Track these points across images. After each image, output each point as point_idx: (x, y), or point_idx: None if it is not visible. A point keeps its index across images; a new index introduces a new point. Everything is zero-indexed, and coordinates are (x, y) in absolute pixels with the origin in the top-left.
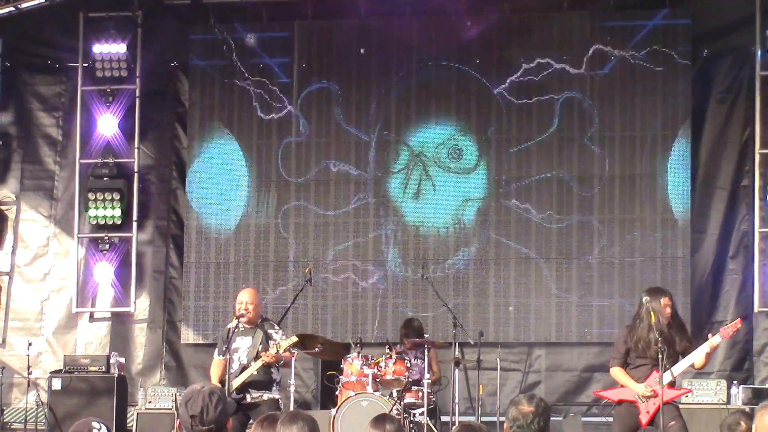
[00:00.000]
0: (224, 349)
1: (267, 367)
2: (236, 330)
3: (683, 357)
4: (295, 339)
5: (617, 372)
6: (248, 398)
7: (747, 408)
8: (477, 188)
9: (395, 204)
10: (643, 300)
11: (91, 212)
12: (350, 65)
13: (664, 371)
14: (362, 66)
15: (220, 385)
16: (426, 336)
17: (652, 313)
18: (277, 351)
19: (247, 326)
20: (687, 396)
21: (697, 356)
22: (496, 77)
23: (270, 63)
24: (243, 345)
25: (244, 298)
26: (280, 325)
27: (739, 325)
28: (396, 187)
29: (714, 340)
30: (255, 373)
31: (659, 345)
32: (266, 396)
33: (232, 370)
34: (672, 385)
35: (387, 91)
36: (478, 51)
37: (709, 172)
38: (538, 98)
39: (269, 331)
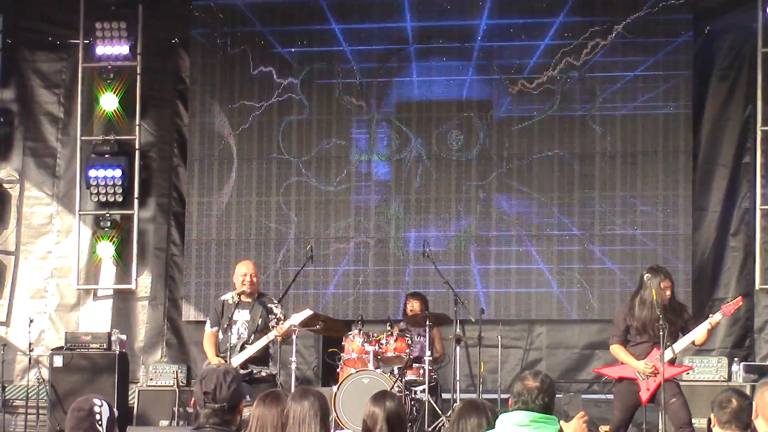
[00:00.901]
0: (222, 322)
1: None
2: (234, 303)
3: (684, 334)
4: (309, 312)
5: (617, 349)
6: (254, 373)
7: (748, 385)
8: (478, 165)
9: (396, 181)
10: (645, 277)
11: (92, 189)
12: (351, 42)
13: (665, 348)
14: (363, 43)
15: (238, 365)
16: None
17: (653, 290)
18: (290, 326)
19: (246, 299)
20: (688, 373)
21: (697, 334)
22: (497, 55)
23: (271, 40)
24: (241, 318)
25: (248, 270)
26: (281, 302)
27: (740, 302)
28: (397, 164)
29: (715, 317)
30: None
31: (661, 322)
32: (264, 372)
33: (230, 344)
34: (673, 362)
35: (388, 68)
36: (479, 29)
37: (711, 149)
38: (539, 76)
39: (269, 305)
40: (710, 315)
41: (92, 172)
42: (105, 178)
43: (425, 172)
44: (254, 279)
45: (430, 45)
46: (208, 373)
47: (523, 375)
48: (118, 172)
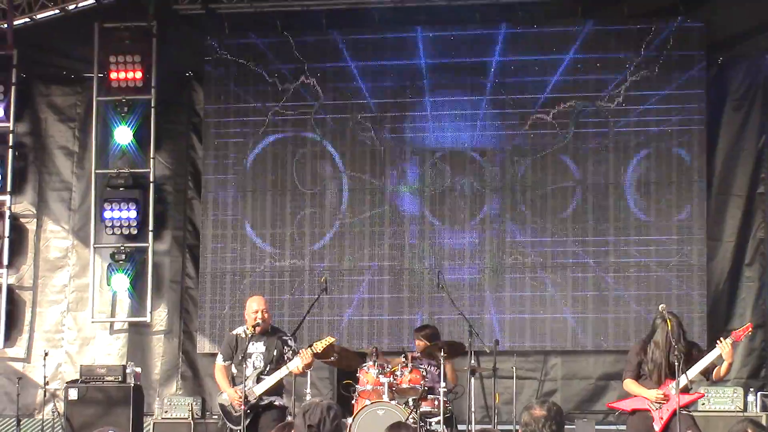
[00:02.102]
0: (236, 356)
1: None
2: (247, 336)
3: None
4: (332, 339)
5: (629, 384)
6: (267, 401)
7: (764, 415)
8: (492, 197)
9: (411, 213)
10: (657, 322)
11: (107, 222)
12: (365, 75)
13: (679, 376)
14: (377, 76)
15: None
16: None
17: (668, 321)
18: (314, 353)
19: (255, 333)
20: (703, 403)
21: (708, 360)
22: (510, 89)
23: (284, 73)
24: (256, 351)
25: (259, 307)
26: (296, 334)
27: (750, 328)
28: (411, 195)
29: (726, 343)
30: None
31: (677, 353)
32: (278, 402)
33: (246, 375)
34: (685, 390)
35: (402, 101)
36: (492, 61)
37: (725, 179)
38: (552, 107)
39: (284, 338)
40: (721, 340)
41: (107, 206)
42: (120, 211)
43: (439, 204)
44: (265, 315)
45: (443, 80)
46: (311, 406)
47: (530, 404)
48: (132, 206)
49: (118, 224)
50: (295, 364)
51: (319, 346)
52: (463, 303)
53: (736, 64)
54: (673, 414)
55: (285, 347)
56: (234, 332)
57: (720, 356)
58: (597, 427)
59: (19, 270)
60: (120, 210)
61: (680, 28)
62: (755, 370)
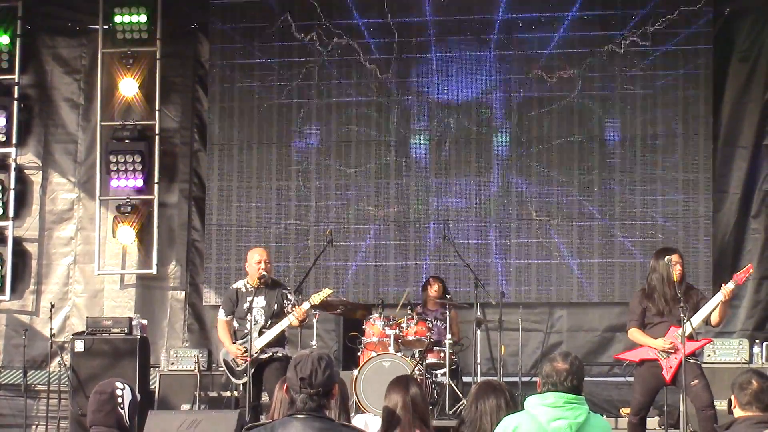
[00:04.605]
0: (237, 310)
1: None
2: (248, 290)
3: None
4: (329, 291)
5: (635, 333)
6: (269, 353)
7: None
8: (498, 149)
9: (417, 164)
10: (653, 261)
11: (113, 174)
12: (371, 28)
13: (683, 324)
14: (383, 29)
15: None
16: (448, 296)
17: (663, 264)
18: (311, 306)
19: (260, 286)
20: (709, 355)
21: (713, 305)
22: (518, 39)
23: (290, 25)
24: (257, 305)
25: (262, 257)
26: (302, 286)
27: (751, 269)
28: (417, 147)
29: (727, 287)
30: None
31: (681, 304)
32: (280, 353)
33: (247, 330)
34: (691, 337)
35: (408, 52)
36: (499, 14)
37: (731, 131)
38: (560, 60)
39: (284, 291)
40: (723, 285)
41: (112, 158)
42: (125, 163)
43: (445, 156)
44: (268, 266)
45: (450, 38)
46: (302, 359)
47: (553, 356)
48: (138, 158)
49: (124, 176)
50: (294, 317)
51: (317, 298)
52: (469, 255)
53: (742, 15)
54: (681, 362)
55: (285, 301)
56: (234, 286)
57: (722, 302)
58: (603, 378)
59: (24, 222)
60: (125, 162)
61: None
62: (761, 321)
